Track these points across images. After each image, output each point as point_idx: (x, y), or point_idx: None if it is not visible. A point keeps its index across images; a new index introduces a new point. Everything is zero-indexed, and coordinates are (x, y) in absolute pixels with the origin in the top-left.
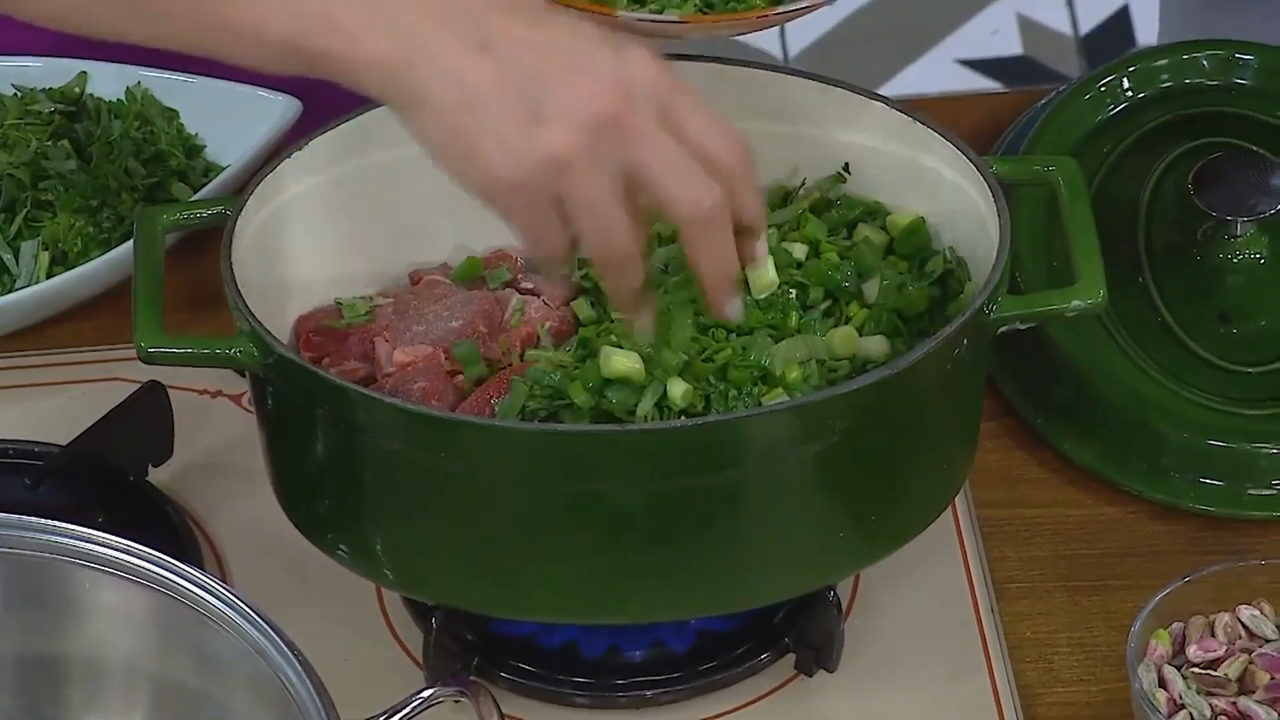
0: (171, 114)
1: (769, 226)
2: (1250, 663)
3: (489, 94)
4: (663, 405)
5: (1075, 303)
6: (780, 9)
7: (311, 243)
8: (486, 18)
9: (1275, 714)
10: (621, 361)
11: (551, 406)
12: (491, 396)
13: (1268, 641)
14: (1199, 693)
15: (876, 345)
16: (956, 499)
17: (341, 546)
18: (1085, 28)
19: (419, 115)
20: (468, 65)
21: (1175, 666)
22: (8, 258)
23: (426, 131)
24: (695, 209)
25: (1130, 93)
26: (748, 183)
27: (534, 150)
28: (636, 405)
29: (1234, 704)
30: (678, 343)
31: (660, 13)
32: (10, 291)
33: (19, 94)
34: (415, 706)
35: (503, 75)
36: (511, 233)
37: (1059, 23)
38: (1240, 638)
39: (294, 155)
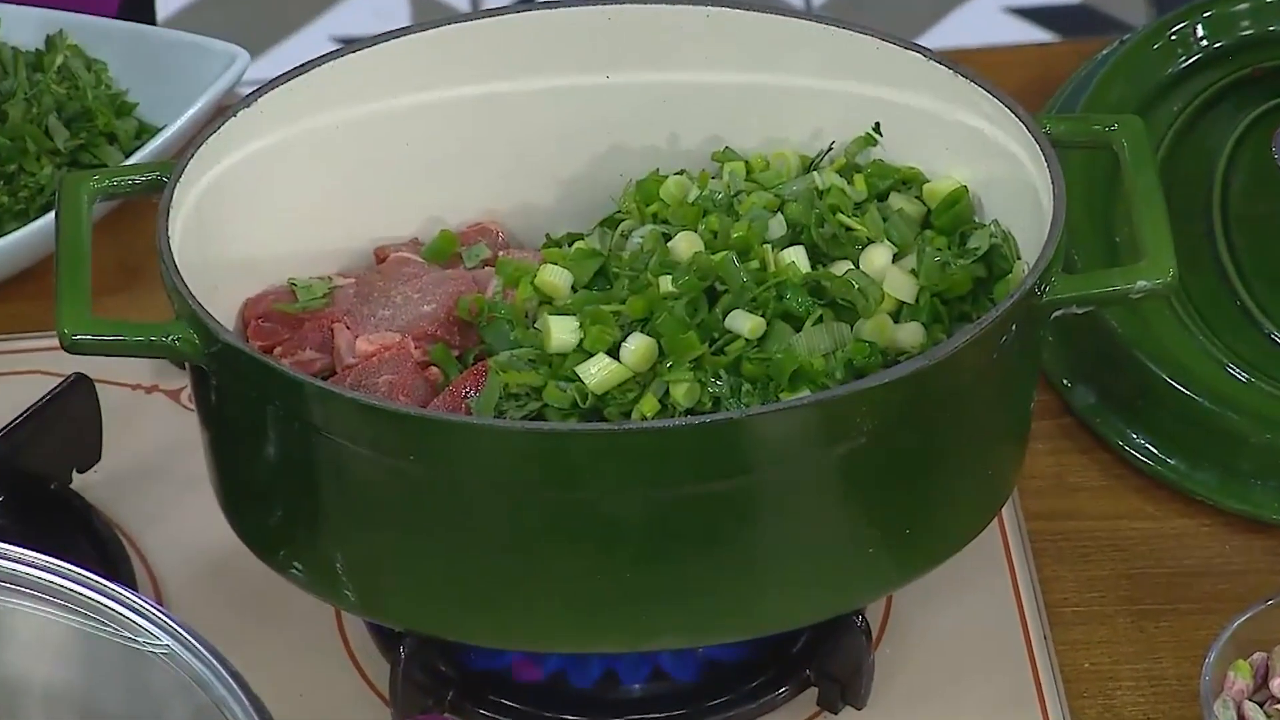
0: (99, 66)
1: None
2: None
3: None
4: (667, 404)
5: (1141, 283)
6: None
7: (261, 215)
8: None
9: None
10: (562, 333)
11: (531, 406)
12: (468, 391)
13: None
14: None
15: (912, 333)
16: (1003, 510)
17: (296, 564)
18: None
19: None
20: None
21: (1257, 703)
22: None
23: None
24: None
25: (1205, 42)
26: None
27: None
28: (634, 405)
29: None
30: (677, 349)
31: None
32: None
33: None
34: None
35: None
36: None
37: None
38: None
39: (240, 114)
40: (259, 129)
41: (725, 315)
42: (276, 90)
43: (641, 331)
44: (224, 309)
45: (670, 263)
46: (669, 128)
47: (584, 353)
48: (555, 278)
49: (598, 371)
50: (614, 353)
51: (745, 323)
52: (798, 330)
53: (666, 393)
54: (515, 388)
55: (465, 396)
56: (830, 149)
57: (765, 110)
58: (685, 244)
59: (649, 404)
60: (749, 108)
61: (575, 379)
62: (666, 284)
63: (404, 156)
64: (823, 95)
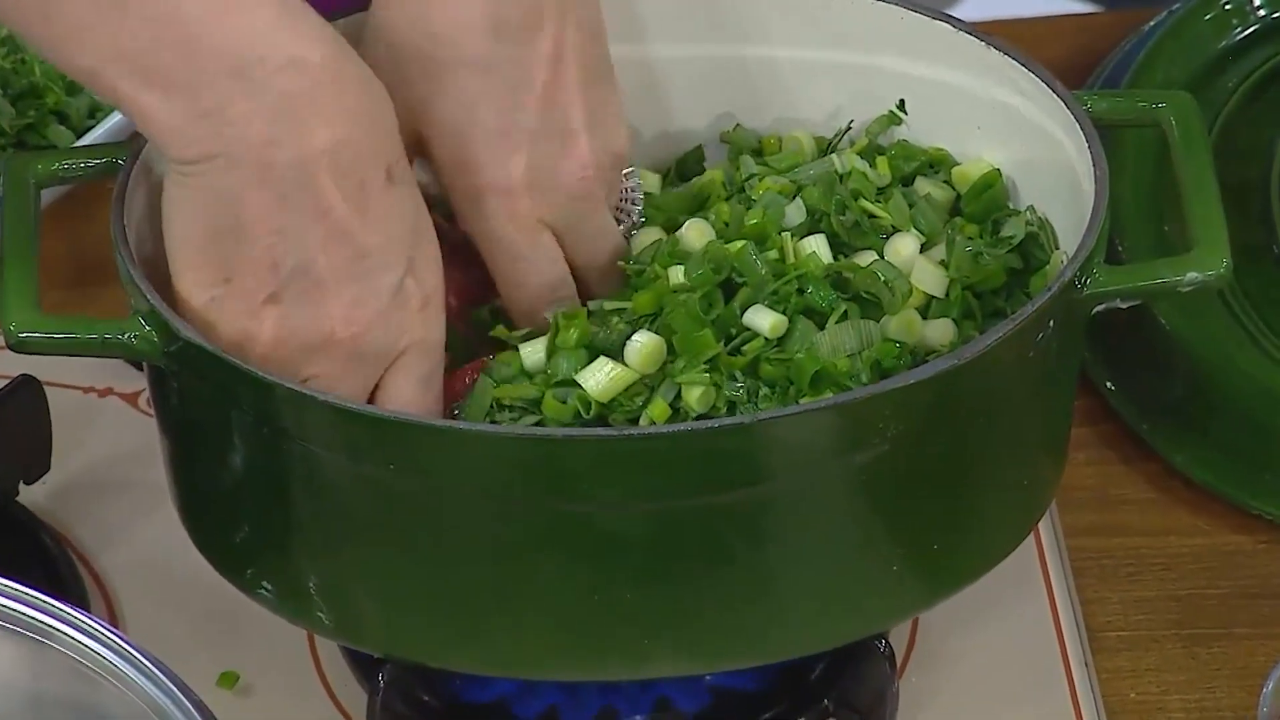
0: None
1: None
2: None
3: (248, 240)
4: (679, 410)
5: (1191, 275)
6: None
7: None
8: (310, 174)
9: None
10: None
11: (527, 419)
12: (464, 385)
13: None
14: None
15: (941, 330)
16: (1040, 525)
17: (265, 584)
18: None
19: (176, 184)
20: (258, 212)
21: None
22: None
23: (172, 193)
24: None
25: (1262, 12)
26: None
27: (247, 325)
28: (641, 410)
29: None
30: (691, 348)
31: None
32: None
33: None
34: None
35: (275, 246)
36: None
37: None
38: None
39: None
40: None
41: (743, 311)
42: None
43: (649, 329)
44: None
45: (681, 253)
46: (672, 106)
47: (581, 353)
48: None
49: (602, 377)
50: (616, 355)
51: (765, 320)
52: (820, 327)
53: (677, 396)
54: (509, 400)
55: (461, 390)
56: (849, 128)
57: (777, 87)
58: (695, 233)
59: (659, 409)
60: (759, 84)
61: (574, 385)
62: (677, 275)
63: None
64: (841, 70)
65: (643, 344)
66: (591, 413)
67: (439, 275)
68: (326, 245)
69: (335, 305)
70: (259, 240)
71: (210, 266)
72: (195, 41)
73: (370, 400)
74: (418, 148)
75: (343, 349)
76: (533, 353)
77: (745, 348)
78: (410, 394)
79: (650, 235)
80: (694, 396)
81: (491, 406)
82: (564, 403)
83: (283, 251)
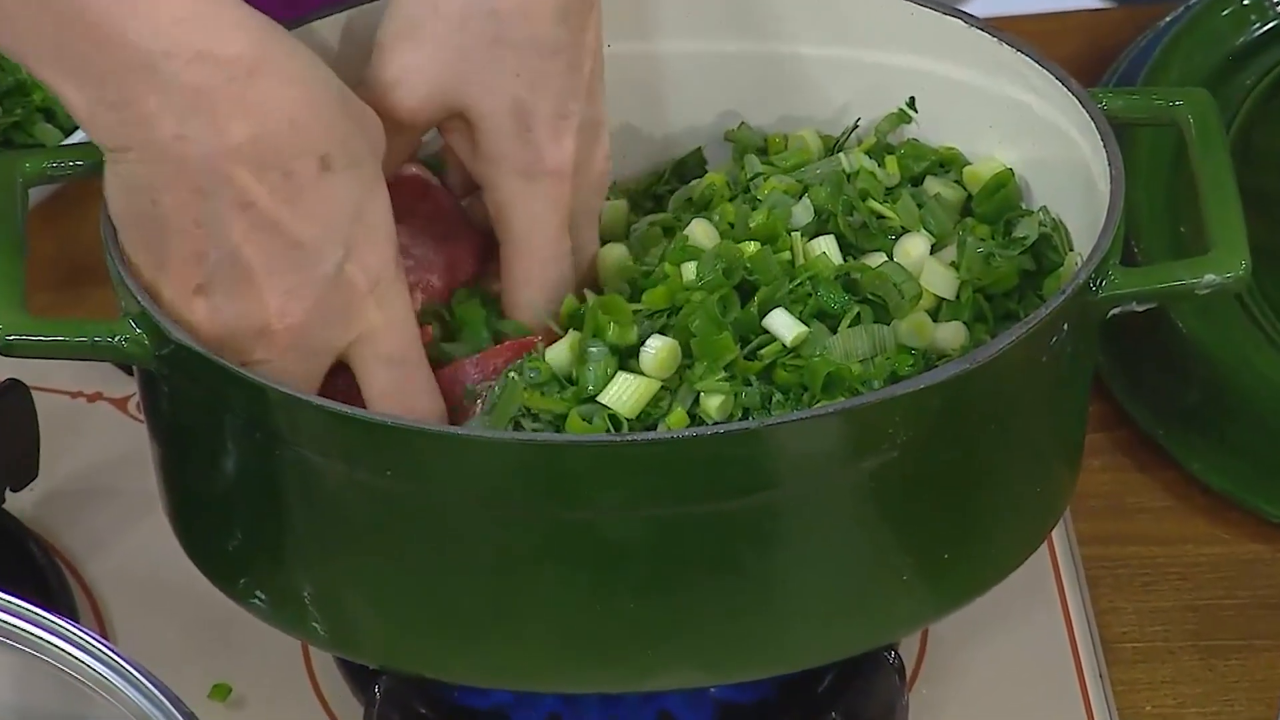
0: None
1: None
2: None
3: (171, 231)
4: (696, 417)
5: (1209, 277)
6: None
7: None
8: (225, 169)
9: None
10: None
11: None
12: (499, 364)
13: None
14: None
15: (952, 333)
16: (1054, 533)
17: (258, 594)
18: None
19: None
20: (176, 205)
21: None
22: None
23: (113, 197)
24: None
25: None
26: None
27: (182, 314)
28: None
29: None
30: (710, 352)
31: None
32: None
33: None
34: None
35: (196, 237)
36: None
37: None
38: None
39: None
40: None
41: (761, 314)
42: None
43: (663, 329)
44: None
45: (692, 249)
46: (675, 103)
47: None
48: None
49: (627, 393)
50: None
51: (788, 326)
52: (832, 331)
53: (695, 402)
54: (538, 409)
55: (466, 382)
56: (857, 126)
57: (782, 83)
58: (702, 231)
59: (676, 418)
60: (764, 80)
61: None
62: (689, 272)
63: None
64: (849, 66)
65: (658, 350)
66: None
67: (388, 254)
68: (251, 237)
69: (268, 296)
70: (180, 231)
71: (144, 251)
72: (103, 35)
73: (344, 388)
74: (449, 119)
75: (282, 339)
76: (558, 356)
77: (762, 352)
78: (380, 377)
79: (615, 251)
80: (713, 405)
81: (521, 412)
82: (590, 421)
83: (205, 243)
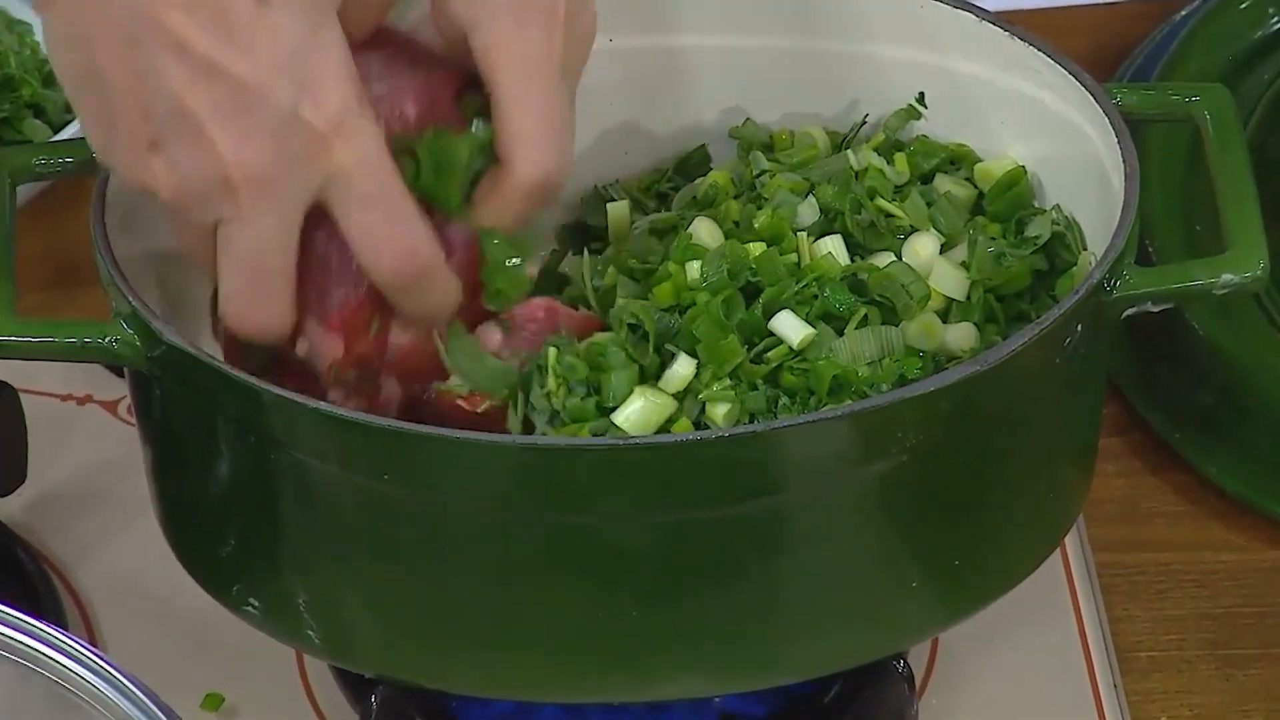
0: (23, 28)
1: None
2: None
3: (111, 87)
4: (699, 424)
5: (1226, 276)
6: None
7: None
8: (152, 11)
9: None
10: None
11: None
12: (534, 324)
13: None
14: None
15: (963, 335)
16: (1067, 539)
17: (252, 601)
18: None
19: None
20: (110, 58)
21: None
22: None
23: (53, 56)
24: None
25: None
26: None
27: (139, 174)
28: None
29: None
30: (716, 357)
31: None
32: None
33: None
34: None
35: (137, 90)
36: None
37: None
38: None
39: None
40: None
41: (767, 316)
42: None
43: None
44: (170, 306)
45: (696, 247)
46: (679, 99)
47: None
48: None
49: (639, 416)
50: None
51: (795, 329)
52: (839, 333)
53: (701, 410)
54: (563, 407)
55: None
56: (865, 122)
57: (789, 78)
58: (705, 229)
59: (681, 428)
60: (770, 75)
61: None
62: (694, 271)
63: None
64: (857, 61)
65: (683, 374)
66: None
67: (347, 91)
68: (192, 82)
69: (221, 145)
70: (122, 87)
71: (92, 115)
72: None
73: (325, 240)
74: None
75: (245, 192)
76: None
77: (768, 355)
78: (358, 219)
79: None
80: (719, 414)
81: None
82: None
83: (147, 95)
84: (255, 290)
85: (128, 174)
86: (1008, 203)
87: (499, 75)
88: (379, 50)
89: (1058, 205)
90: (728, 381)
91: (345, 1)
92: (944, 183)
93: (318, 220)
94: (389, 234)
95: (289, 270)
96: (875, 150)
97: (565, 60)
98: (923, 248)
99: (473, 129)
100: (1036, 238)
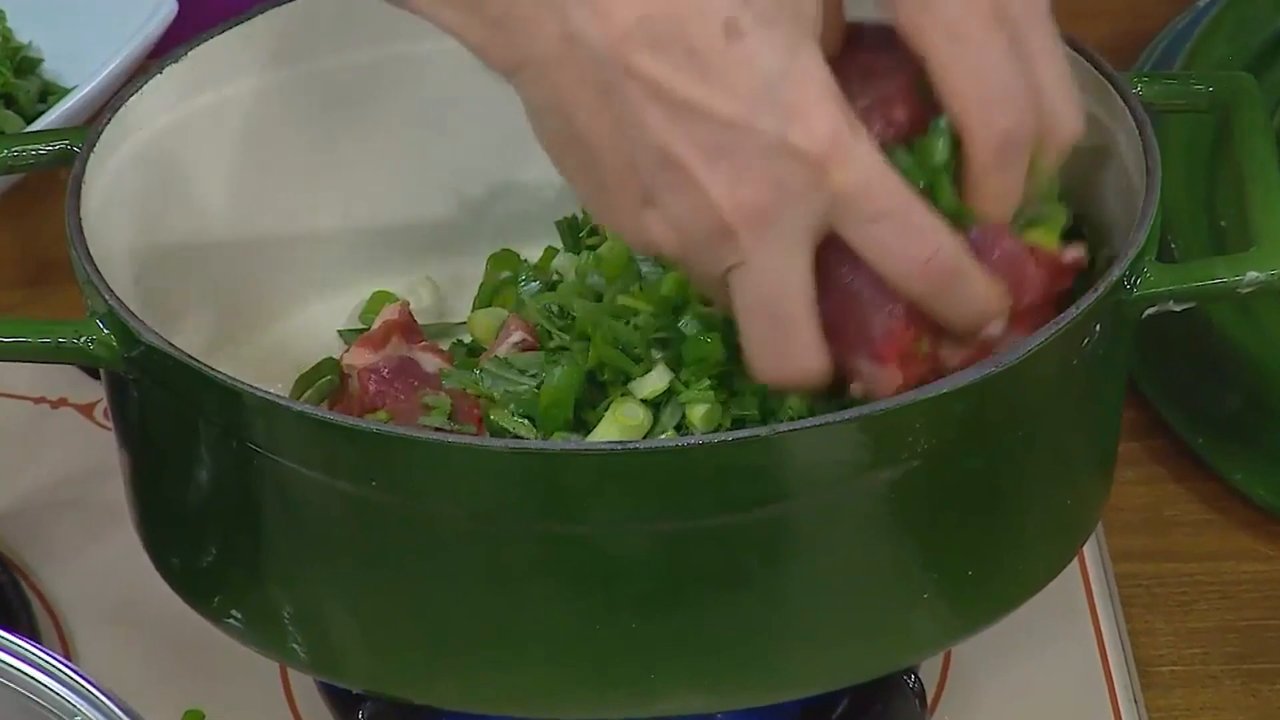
0: None
1: None
2: None
3: (593, 145)
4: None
5: (1251, 274)
6: None
7: (195, 191)
8: (622, 58)
9: None
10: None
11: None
12: None
13: None
14: None
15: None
16: (1085, 548)
17: (234, 613)
18: None
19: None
20: (587, 113)
21: None
22: None
23: (532, 123)
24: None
25: None
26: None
27: (638, 234)
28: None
29: None
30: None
31: None
32: None
33: None
34: None
35: (619, 144)
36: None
37: None
38: None
39: (168, 70)
40: (192, 87)
41: None
42: (213, 40)
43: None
44: (148, 305)
45: None
46: None
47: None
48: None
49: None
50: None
51: None
52: None
53: (682, 419)
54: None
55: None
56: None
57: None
58: None
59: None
60: None
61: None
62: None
63: (376, 118)
64: None
65: (653, 383)
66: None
67: (833, 111)
68: (674, 127)
69: (714, 189)
70: (602, 144)
71: (581, 175)
72: None
73: (848, 272)
74: None
75: (745, 232)
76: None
77: None
78: (873, 238)
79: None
80: (697, 415)
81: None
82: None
83: (630, 148)
84: (779, 336)
85: (630, 236)
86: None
87: (926, 51)
88: (853, 61)
89: (1070, 202)
90: (707, 382)
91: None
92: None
93: (833, 254)
94: (908, 242)
95: (809, 309)
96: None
97: (1009, 13)
98: None
99: (940, 120)
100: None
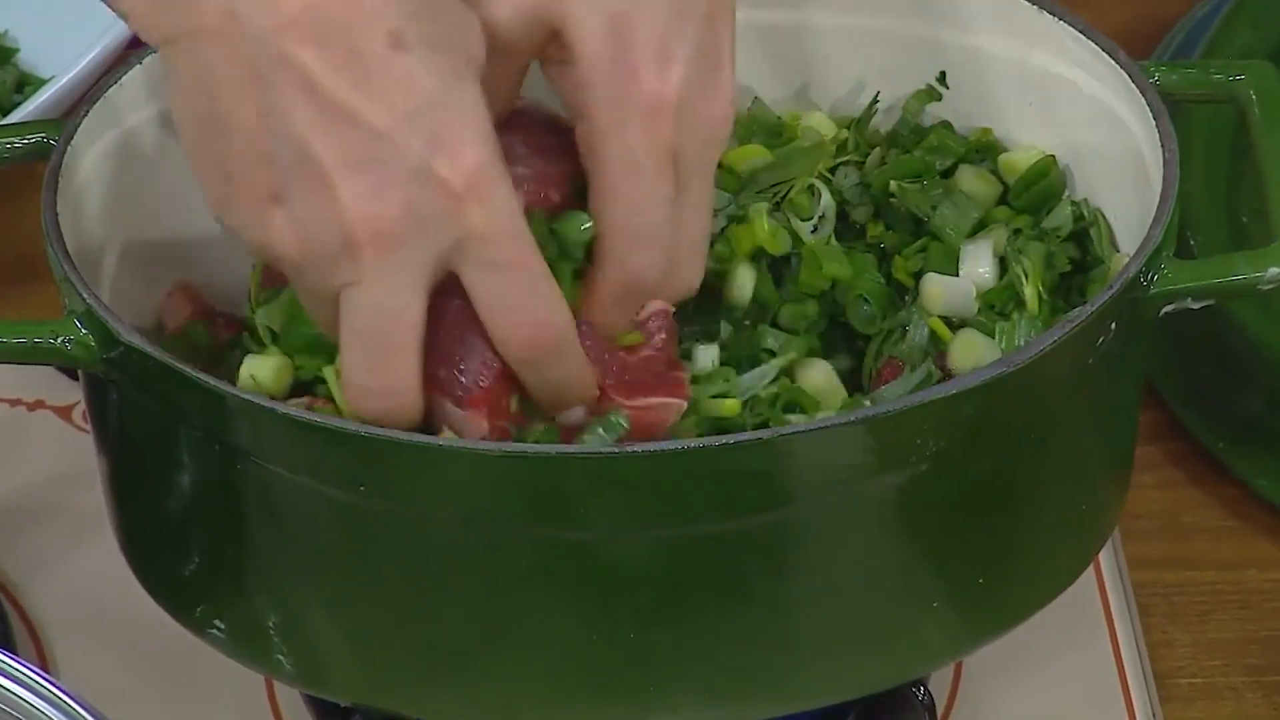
0: None
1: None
2: None
3: (233, 129)
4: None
5: (1273, 270)
6: None
7: (178, 186)
8: (283, 45)
9: None
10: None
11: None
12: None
13: None
14: None
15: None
16: (1101, 556)
17: (217, 624)
18: None
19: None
20: (235, 95)
21: None
22: None
23: (174, 102)
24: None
25: None
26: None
27: (259, 232)
28: None
29: None
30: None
31: None
32: None
33: None
34: None
35: (259, 133)
36: None
37: None
38: None
39: (150, 60)
40: None
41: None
42: None
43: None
44: (129, 304)
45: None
46: None
47: None
48: None
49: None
50: None
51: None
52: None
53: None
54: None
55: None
56: (877, 103)
57: (796, 57)
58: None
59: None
60: (776, 54)
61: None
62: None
63: None
64: (867, 35)
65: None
66: None
67: (483, 153)
68: (319, 125)
69: (346, 197)
70: (242, 130)
71: (210, 165)
72: None
73: (457, 311)
74: (548, 45)
75: (369, 251)
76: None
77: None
78: (488, 284)
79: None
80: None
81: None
82: None
83: (271, 138)
84: (378, 366)
85: (247, 232)
86: (1036, 197)
87: (595, 168)
88: (519, 128)
89: (1085, 199)
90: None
91: (484, 69)
92: (965, 176)
93: (446, 291)
94: (523, 303)
95: (415, 344)
96: (893, 137)
97: (682, 157)
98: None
99: (588, 222)
100: (1057, 230)
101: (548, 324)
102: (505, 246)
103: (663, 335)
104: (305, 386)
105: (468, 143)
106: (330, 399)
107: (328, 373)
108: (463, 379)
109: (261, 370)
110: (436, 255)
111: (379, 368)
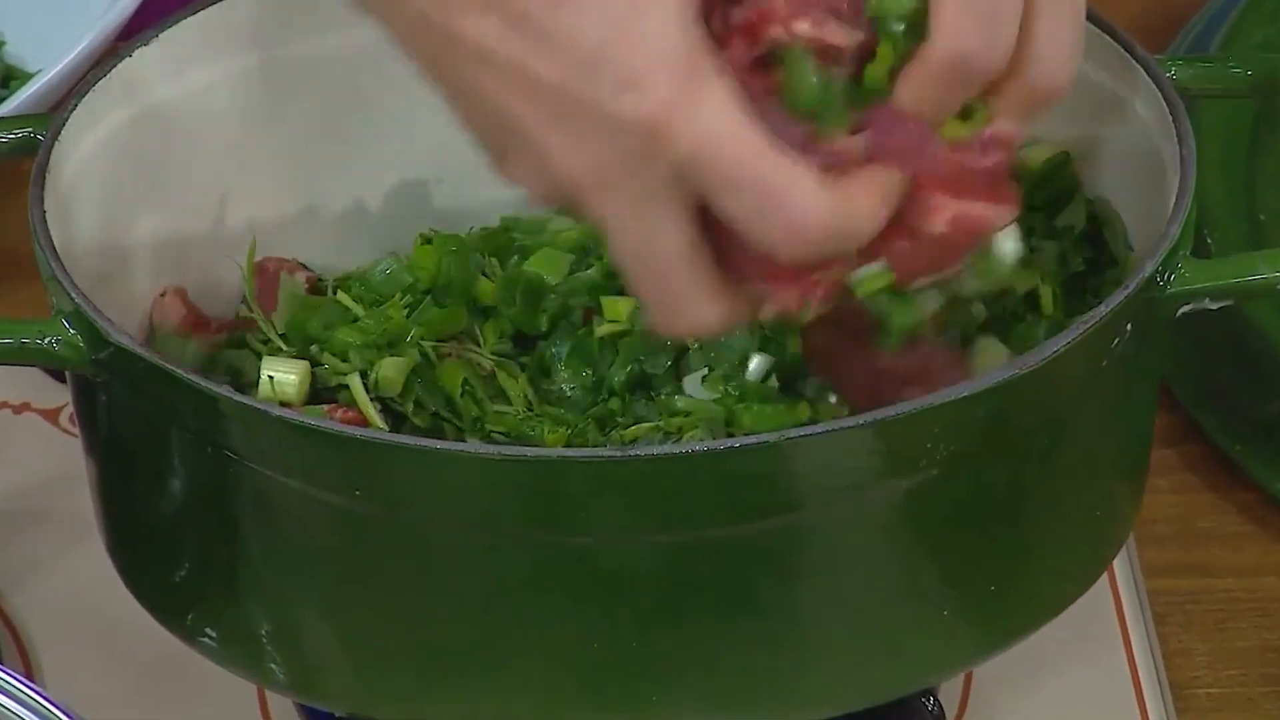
0: None
1: None
2: None
3: (454, 106)
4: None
5: None
6: None
7: (168, 182)
8: (449, 18)
9: None
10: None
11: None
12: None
13: None
14: None
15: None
16: (1115, 563)
17: (208, 631)
18: None
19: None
20: (441, 74)
21: None
22: None
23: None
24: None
25: None
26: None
27: (520, 183)
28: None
29: None
30: None
31: None
32: None
33: None
34: None
35: (461, 96)
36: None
37: None
38: None
39: (139, 54)
40: (163, 72)
41: None
42: (185, 23)
43: None
44: (119, 304)
45: None
46: None
47: None
48: None
49: None
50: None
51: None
52: None
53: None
54: None
55: None
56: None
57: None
58: None
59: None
60: None
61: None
62: None
63: (353, 103)
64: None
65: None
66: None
67: (673, 76)
68: (507, 92)
69: (556, 155)
70: (453, 100)
71: (473, 135)
72: None
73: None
74: None
75: (594, 197)
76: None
77: None
78: (736, 207)
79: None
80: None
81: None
82: None
83: (478, 109)
84: (657, 288)
85: (513, 182)
86: (1050, 194)
87: None
88: None
89: (1100, 197)
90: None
91: None
92: None
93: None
94: (770, 216)
95: (683, 261)
96: None
97: None
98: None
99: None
100: (1070, 228)
101: (805, 226)
102: (725, 166)
103: (999, 157)
104: (328, 393)
105: (652, 67)
106: (353, 405)
107: (351, 380)
108: (760, 262)
109: (281, 373)
110: (663, 184)
111: (658, 290)
